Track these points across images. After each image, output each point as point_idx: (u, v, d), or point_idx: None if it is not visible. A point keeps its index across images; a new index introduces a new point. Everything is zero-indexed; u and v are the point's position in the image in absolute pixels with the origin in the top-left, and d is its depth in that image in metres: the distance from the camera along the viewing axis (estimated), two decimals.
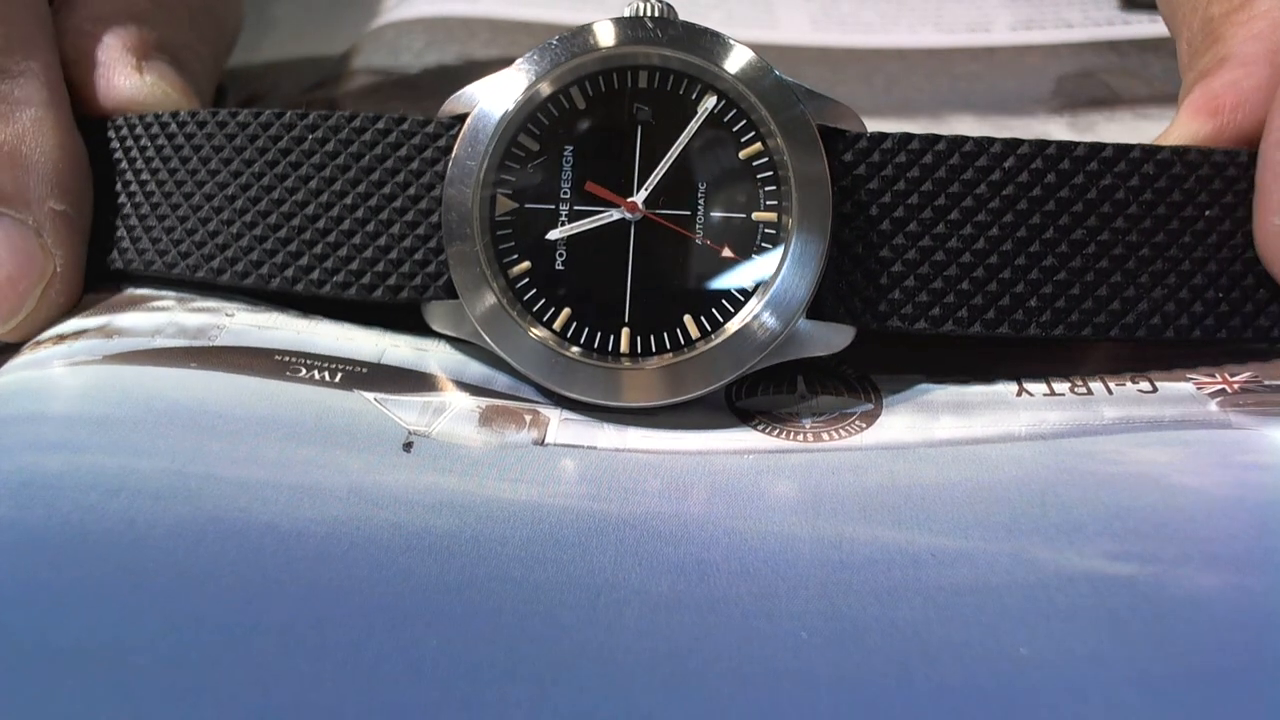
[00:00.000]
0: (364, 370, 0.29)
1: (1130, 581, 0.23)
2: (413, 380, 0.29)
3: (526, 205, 0.29)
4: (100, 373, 0.28)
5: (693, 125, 0.28)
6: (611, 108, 0.29)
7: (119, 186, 0.32)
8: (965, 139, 0.28)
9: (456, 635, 0.22)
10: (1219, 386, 0.29)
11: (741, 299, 0.28)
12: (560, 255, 0.29)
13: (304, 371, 0.29)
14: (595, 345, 0.28)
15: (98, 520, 0.24)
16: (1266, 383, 0.29)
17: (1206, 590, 0.23)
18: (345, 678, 0.21)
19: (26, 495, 0.24)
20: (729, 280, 0.28)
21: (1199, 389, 0.29)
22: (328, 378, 0.29)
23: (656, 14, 0.28)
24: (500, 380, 0.29)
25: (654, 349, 0.28)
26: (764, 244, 0.28)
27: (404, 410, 0.28)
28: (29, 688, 0.20)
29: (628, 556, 0.24)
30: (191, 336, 0.30)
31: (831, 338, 0.29)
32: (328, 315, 0.32)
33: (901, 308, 0.28)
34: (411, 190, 0.29)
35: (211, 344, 0.30)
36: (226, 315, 0.31)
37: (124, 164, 0.32)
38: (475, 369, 0.30)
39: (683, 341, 0.28)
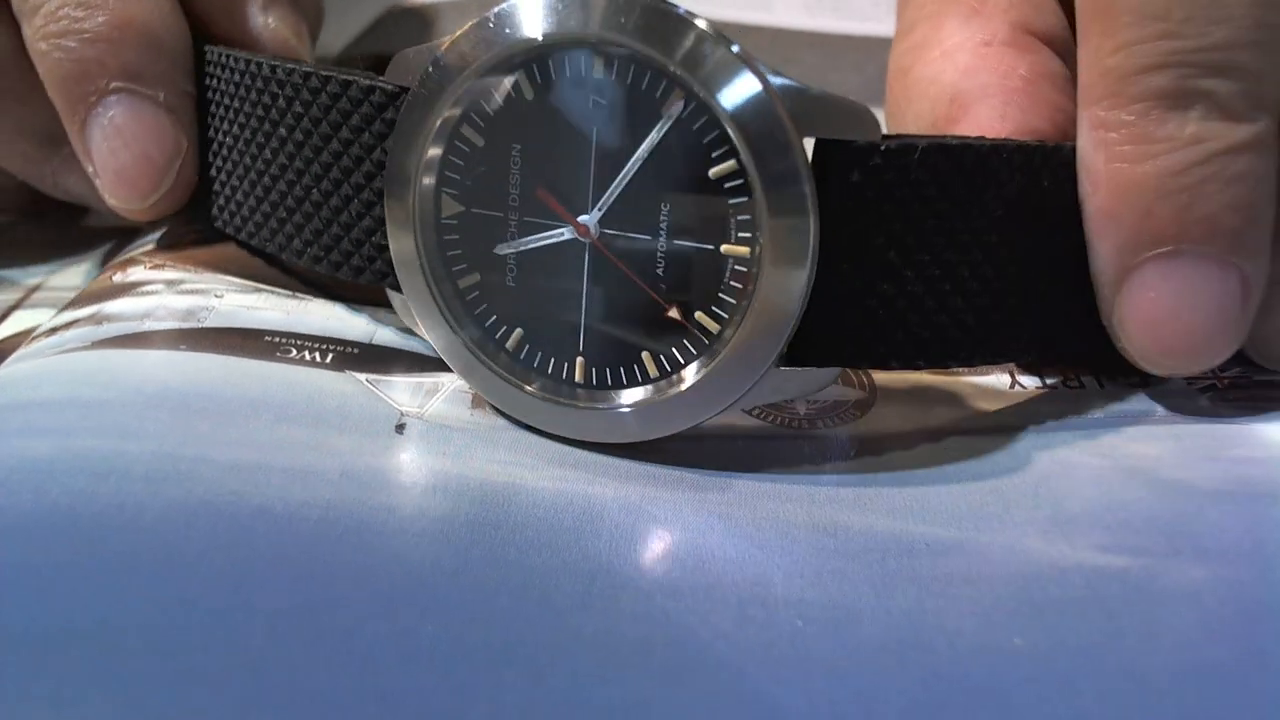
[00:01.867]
0: (355, 351, 0.29)
1: (1122, 573, 0.23)
2: (404, 361, 0.29)
3: (473, 209, 0.26)
4: (89, 358, 0.28)
5: (654, 135, 0.24)
6: (563, 101, 0.24)
7: None
8: (995, 146, 0.25)
9: (451, 620, 0.21)
10: (1209, 381, 0.29)
11: (705, 341, 0.25)
12: (510, 270, 0.26)
13: (294, 352, 0.29)
14: (549, 372, 0.26)
15: (87, 504, 0.24)
16: (1256, 378, 0.29)
17: (1197, 582, 0.23)
18: (339, 662, 0.21)
19: (15, 481, 0.24)
20: (692, 319, 0.25)
21: (1190, 384, 0.29)
22: (318, 358, 0.29)
23: None
24: None
25: (609, 383, 0.26)
26: (733, 282, 0.24)
27: (396, 391, 0.28)
28: (19, 672, 0.20)
29: (622, 542, 0.23)
30: (181, 318, 0.30)
31: (811, 382, 0.25)
32: (317, 295, 0.31)
33: (901, 348, 0.25)
34: (366, 166, 0.27)
35: (201, 325, 0.30)
36: (215, 296, 0.31)
37: None
38: None
39: (640, 379, 0.25)
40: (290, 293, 0.32)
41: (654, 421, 0.25)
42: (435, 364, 0.29)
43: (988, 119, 0.28)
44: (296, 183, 0.29)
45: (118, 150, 0.31)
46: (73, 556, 0.22)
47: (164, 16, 0.31)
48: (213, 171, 0.32)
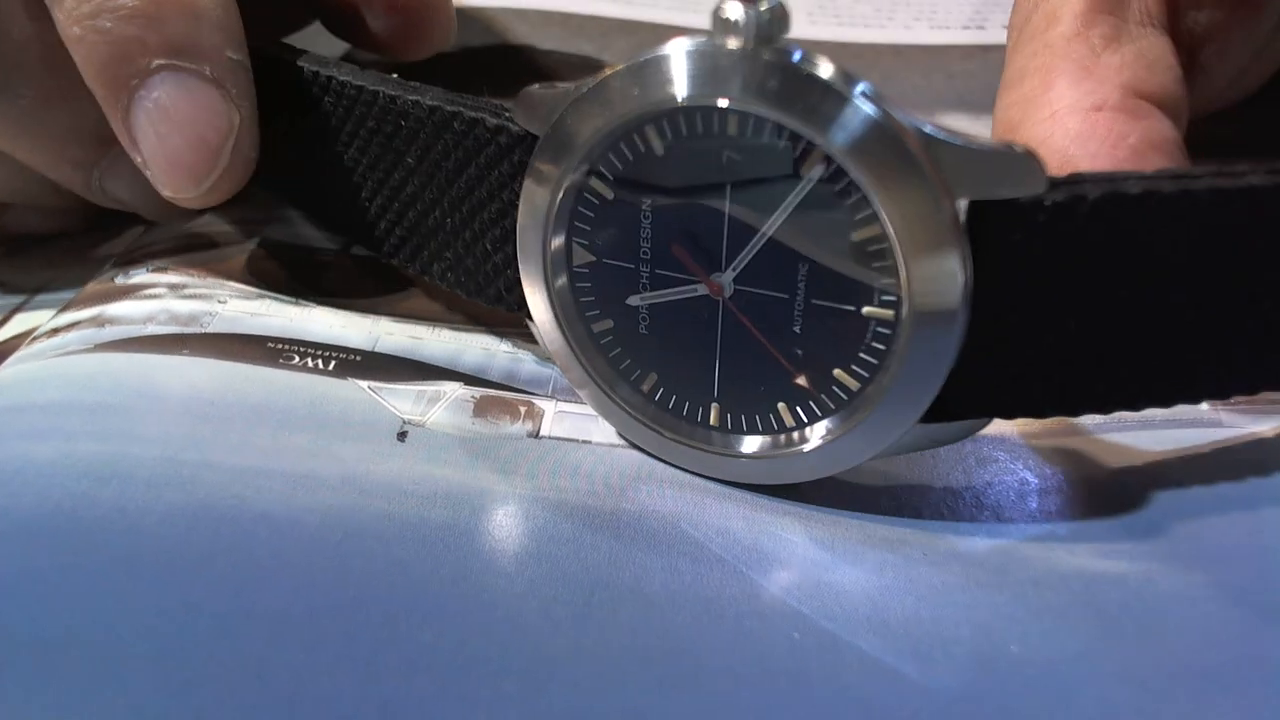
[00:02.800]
0: (357, 358, 0.29)
1: (1120, 579, 0.23)
2: (407, 369, 0.29)
3: (604, 260, 0.25)
4: (92, 361, 0.28)
5: (792, 198, 0.23)
6: (695, 157, 0.23)
7: None
8: (1184, 190, 0.21)
9: (450, 629, 0.22)
10: None
11: (844, 398, 0.24)
12: (644, 319, 0.25)
13: (297, 359, 0.29)
14: (684, 414, 0.26)
15: (90, 508, 0.24)
16: None
17: (1196, 587, 0.23)
18: (339, 668, 0.21)
19: (18, 483, 0.24)
20: (830, 378, 0.24)
21: None
22: (321, 365, 0.29)
23: (753, 30, 0.21)
24: (495, 369, 0.29)
25: (745, 428, 0.25)
26: (876, 343, 0.23)
27: (398, 399, 0.28)
28: (21, 676, 0.20)
29: (621, 554, 0.24)
30: (184, 323, 0.30)
31: (955, 433, 0.24)
32: (319, 302, 0.32)
33: (1062, 396, 0.23)
34: (496, 204, 0.27)
35: (204, 331, 0.30)
36: (219, 302, 0.31)
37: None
38: (470, 358, 0.30)
39: (775, 428, 0.25)
40: (293, 299, 0.32)
41: (787, 470, 0.25)
42: (437, 373, 0.29)
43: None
44: (430, 213, 0.28)
45: (167, 135, 0.29)
46: (74, 559, 0.23)
47: None
48: (367, 204, 0.30)
